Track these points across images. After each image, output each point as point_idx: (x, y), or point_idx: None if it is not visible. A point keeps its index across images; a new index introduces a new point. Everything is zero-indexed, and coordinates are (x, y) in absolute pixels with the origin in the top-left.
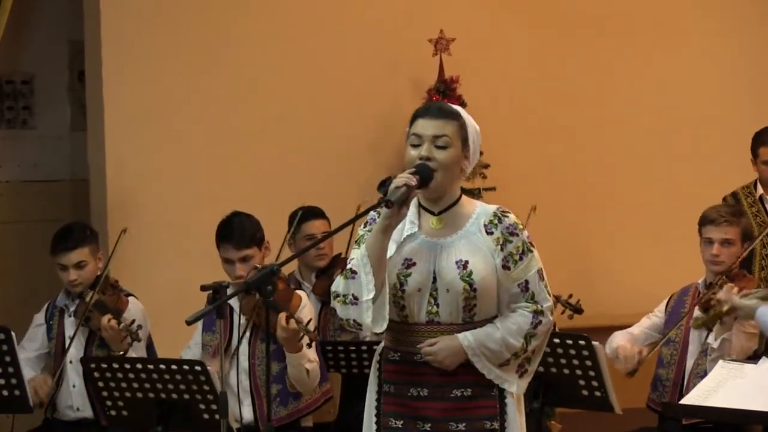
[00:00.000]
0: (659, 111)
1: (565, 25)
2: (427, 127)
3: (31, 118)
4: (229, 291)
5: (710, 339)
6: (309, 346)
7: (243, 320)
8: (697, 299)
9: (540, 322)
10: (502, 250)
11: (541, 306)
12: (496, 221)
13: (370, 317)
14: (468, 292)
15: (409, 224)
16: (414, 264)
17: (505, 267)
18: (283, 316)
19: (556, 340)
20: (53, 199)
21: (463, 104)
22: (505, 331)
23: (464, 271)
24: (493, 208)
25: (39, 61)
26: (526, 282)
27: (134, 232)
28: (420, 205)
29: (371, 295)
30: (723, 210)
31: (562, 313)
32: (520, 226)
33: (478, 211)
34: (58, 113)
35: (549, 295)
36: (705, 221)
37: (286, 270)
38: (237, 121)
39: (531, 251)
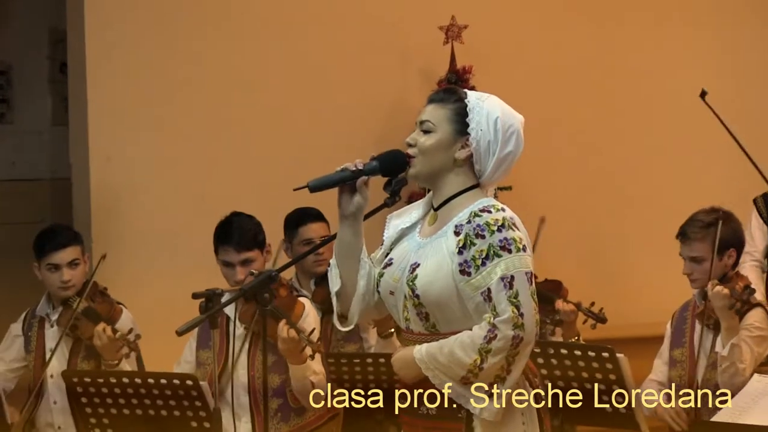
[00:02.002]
0: (685, 106)
1: (586, 11)
2: (421, 113)
3: (9, 111)
4: (223, 299)
5: (718, 347)
6: (312, 357)
7: (241, 330)
8: (697, 312)
9: (495, 336)
10: (460, 253)
11: (494, 318)
12: (466, 221)
13: (334, 312)
14: (412, 298)
15: (407, 218)
16: (390, 264)
17: (464, 272)
18: (283, 325)
19: (577, 352)
20: (32, 199)
21: None
22: (457, 344)
23: (410, 275)
24: (481, 204)
25: (17, 50)
26: (488, 290)
27: (120, 235)
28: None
29: (335, 288)
30: (695, 225)
31: (584, 322)
32: (493, 228)
33: (468, 208)
34: (38, 107)
35: (516, 307)
36: (678, 235)
37: (283, 276)
38: (232, 116)
39: (499, 256)
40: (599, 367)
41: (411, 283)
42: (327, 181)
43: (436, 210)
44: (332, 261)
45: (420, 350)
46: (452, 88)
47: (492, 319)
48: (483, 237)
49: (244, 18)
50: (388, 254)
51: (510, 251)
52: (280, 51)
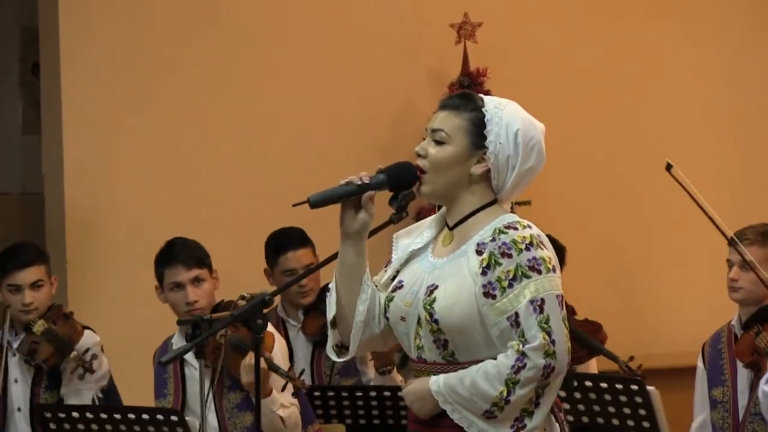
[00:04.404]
0: (716, 112)
1: (612, 8)
2: (432, 119)
3: None
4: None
5: None
6: (283, 389)
7: (199, 369)
8: (736, 350)
9: (524, 365)
10: (484, 273)
11: (523, 346)
12: (490, 239)
13: (330, 341)
14: (430, 323)
15: (418, 238)
16: (400, 287)
17: (489, 295)
18: (252, 355)
19: (604, 385)
20: (0, 215)
21: None
22: (481, 375)
23: (428, 298)
24: (505, 221)
25: None
26: (516, 315)
27: (97, 254)
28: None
29: (331, 315)
30: (752, 230)
31: None
32: (520, 246)
33: (490, 225)
34: (7, 113)
35: (548, 333)
36: (730, 239)
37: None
38: (221, 122)
39: (528, 277)
40: (627, 401)
41: (429, 307)
42: (330, 195)
43: (451, 229)
44: (331, 285)
45: (437, 382)
46: (468, 94)
47: (521, 346)
48: (509, 256)
49: (234, 15)
50: (394, 277)
51: (539, 272)
52: (274, 53)
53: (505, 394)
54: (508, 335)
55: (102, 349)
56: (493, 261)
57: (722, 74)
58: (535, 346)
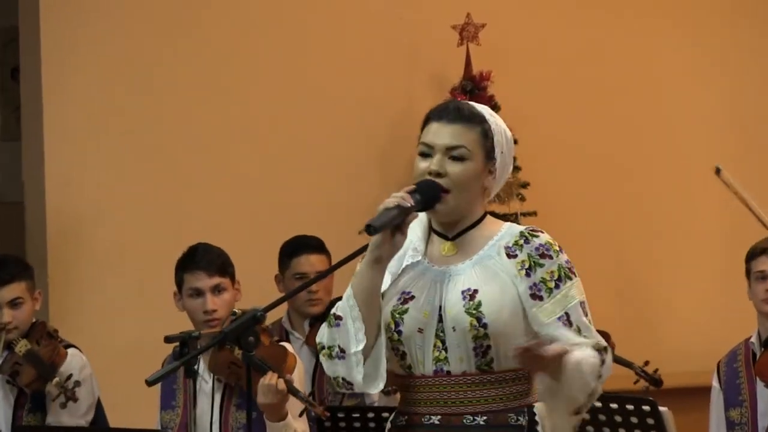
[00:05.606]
0: (730, 112)
1: (620, 10)
2: (440, 134)
3: None
4: (200, 343)
5: None
6: (301, 414)
7: (210, 383)
8: (758, 368)
9: (603, 361)
10: (528, 275)
11: (600, 342)
12: (521, 242)
13: (361, 373)
14: (476, 329)
15: (411, 251)
16: (412, 297)
17: (535, 296)
18: (272, 375)
19: (614, 405)
20: None
21: (495, 107)
22: (587, 366)
23: (471, 303)
24: (520, 228)
25: None
26: (567, 315)
27: (81, 268)
28: (431, 228)
29: (360, 346)
30: None
31: (636, 382)
32: (555, 248)
33: (503, 232)
34: None
35: (597, 333)
36: (756, 253)
37: (272, 314)
38: (213, 129)
39: (570, 278)
40: (639, 422)
41: (474, 311)
42: (389, 219)
43: (451, 239)
44: (347, 314)
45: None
46: (468, 105)
47: (600, 342)
48: (550, 257)
49: (227, 15)
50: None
51: (575, 274)
52: (270, 55)
53: (594, 390)
54: (555, 336)
55: (91, 372)
56: (532, 263)
57: (724, 75)
58: (602, 344)
